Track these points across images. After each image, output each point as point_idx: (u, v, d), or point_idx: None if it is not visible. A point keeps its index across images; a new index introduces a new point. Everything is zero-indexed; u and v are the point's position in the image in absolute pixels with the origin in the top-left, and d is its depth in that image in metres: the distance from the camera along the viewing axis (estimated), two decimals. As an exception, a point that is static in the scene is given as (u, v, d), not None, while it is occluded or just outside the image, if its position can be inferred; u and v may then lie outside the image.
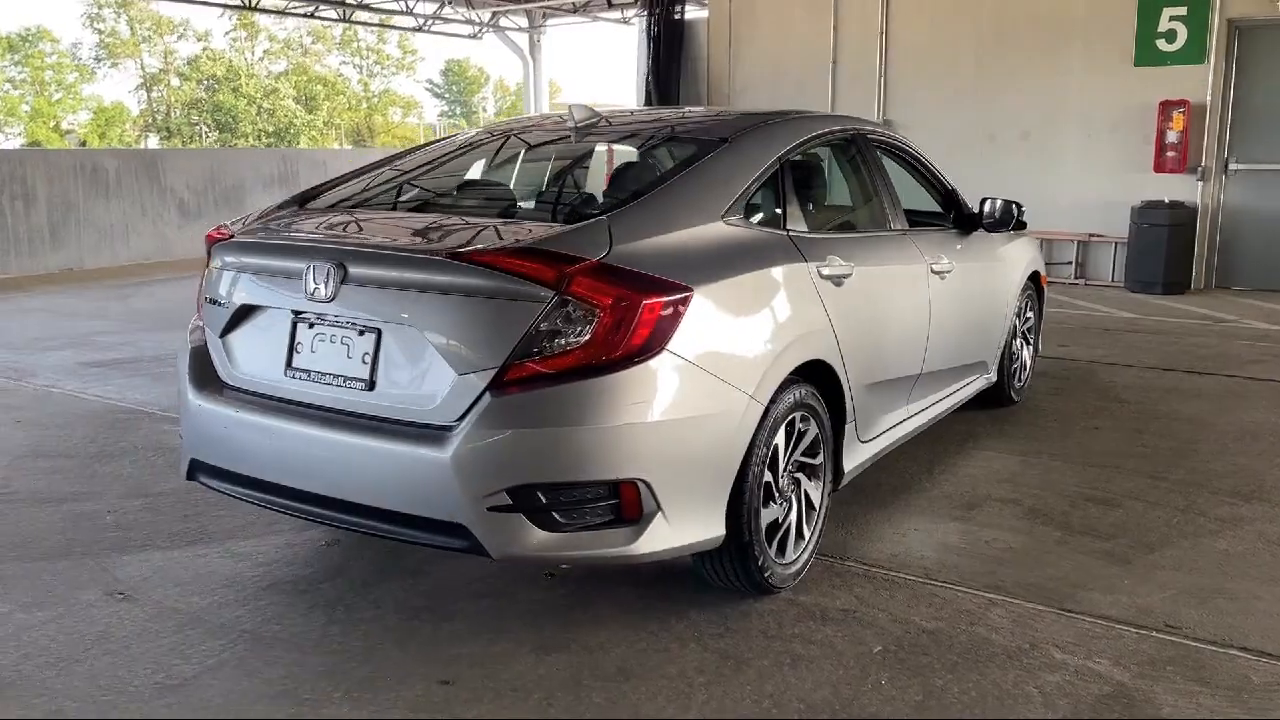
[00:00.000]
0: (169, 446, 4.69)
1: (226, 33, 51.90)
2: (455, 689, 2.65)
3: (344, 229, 3.17)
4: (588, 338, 2.60)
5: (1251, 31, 9.59)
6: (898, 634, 2.93)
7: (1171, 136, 9.78)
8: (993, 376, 5.09)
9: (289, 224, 3.25)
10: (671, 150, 3.60)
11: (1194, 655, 2.82)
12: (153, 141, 48.67)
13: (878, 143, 4.30)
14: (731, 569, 3.01)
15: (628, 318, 2.61)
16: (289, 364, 2.95)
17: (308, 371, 2.92)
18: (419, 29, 17.26)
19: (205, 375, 3.16)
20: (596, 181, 3.96)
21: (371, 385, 2.80)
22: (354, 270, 2.79)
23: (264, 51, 52.91)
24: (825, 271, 3.33)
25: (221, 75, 49.76)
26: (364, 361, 2.81)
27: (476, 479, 2.60)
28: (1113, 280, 10.31)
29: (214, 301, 3.16)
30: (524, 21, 17.70)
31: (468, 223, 3.11)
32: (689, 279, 2.76)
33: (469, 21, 17.19)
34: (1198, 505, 3.99)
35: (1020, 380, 5.51)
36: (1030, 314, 5.59)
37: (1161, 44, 9.87)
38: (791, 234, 3.33)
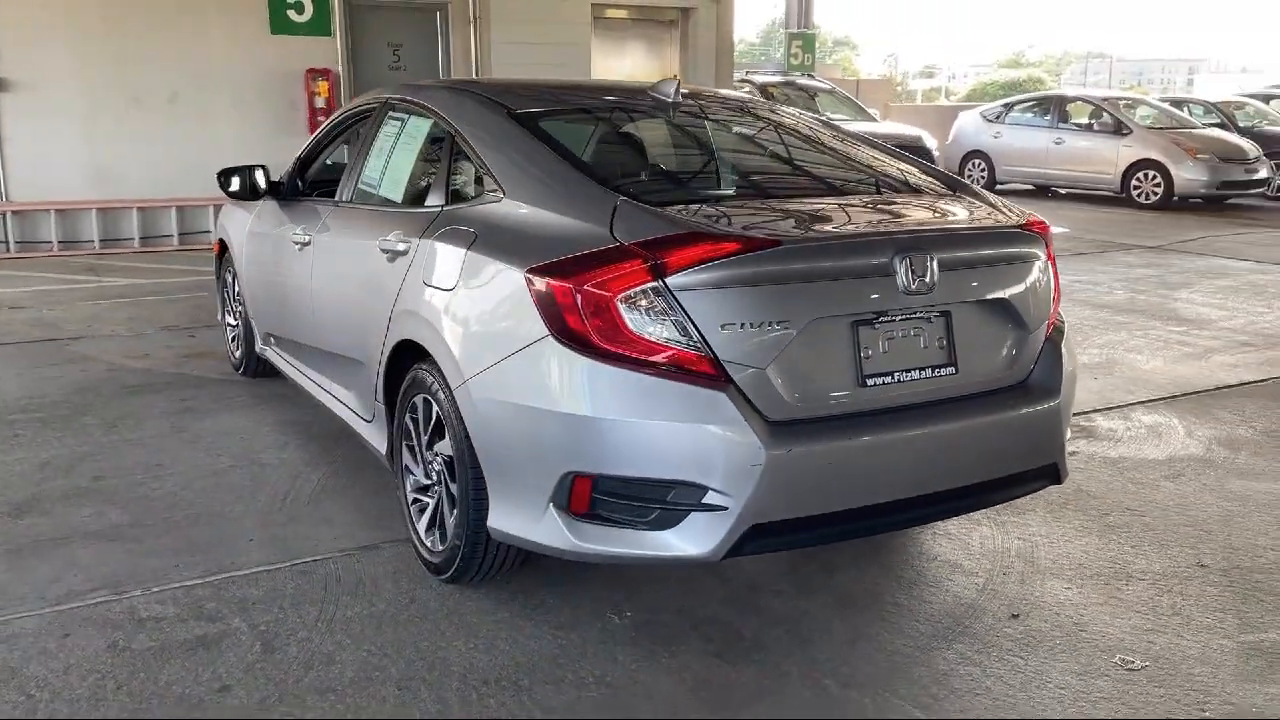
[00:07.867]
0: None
1: None
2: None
3: (871, 218, 3.14)
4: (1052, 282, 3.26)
5: (360, 9, 11.03)
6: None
7: (320, 101, 10.73)
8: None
9: (801, 219, 2.96)
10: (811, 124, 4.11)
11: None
12: None
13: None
14: None
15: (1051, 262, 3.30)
16: (860, 372, 2.77)
17: (889, 374, 2.80)
18: None
19: (759, 418, 2.62)
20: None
21: (955, 367, 2.94)
22: (940, 256, 2.85)
23: None
24: None
25: None
26: (940, 346, 2.89)
27: (1068, 416, 3.14)
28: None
29: (749, 325, 2.63)
30: None
31: (905, 199, 3.33)
32: None
33: None
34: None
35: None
36: None
37: (293, 15, 10.60)
38: None
